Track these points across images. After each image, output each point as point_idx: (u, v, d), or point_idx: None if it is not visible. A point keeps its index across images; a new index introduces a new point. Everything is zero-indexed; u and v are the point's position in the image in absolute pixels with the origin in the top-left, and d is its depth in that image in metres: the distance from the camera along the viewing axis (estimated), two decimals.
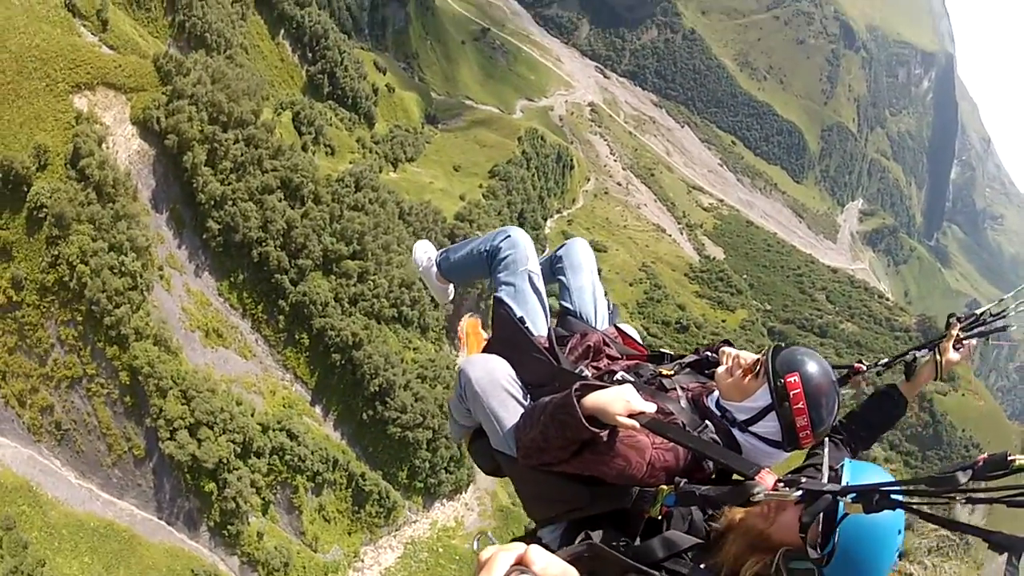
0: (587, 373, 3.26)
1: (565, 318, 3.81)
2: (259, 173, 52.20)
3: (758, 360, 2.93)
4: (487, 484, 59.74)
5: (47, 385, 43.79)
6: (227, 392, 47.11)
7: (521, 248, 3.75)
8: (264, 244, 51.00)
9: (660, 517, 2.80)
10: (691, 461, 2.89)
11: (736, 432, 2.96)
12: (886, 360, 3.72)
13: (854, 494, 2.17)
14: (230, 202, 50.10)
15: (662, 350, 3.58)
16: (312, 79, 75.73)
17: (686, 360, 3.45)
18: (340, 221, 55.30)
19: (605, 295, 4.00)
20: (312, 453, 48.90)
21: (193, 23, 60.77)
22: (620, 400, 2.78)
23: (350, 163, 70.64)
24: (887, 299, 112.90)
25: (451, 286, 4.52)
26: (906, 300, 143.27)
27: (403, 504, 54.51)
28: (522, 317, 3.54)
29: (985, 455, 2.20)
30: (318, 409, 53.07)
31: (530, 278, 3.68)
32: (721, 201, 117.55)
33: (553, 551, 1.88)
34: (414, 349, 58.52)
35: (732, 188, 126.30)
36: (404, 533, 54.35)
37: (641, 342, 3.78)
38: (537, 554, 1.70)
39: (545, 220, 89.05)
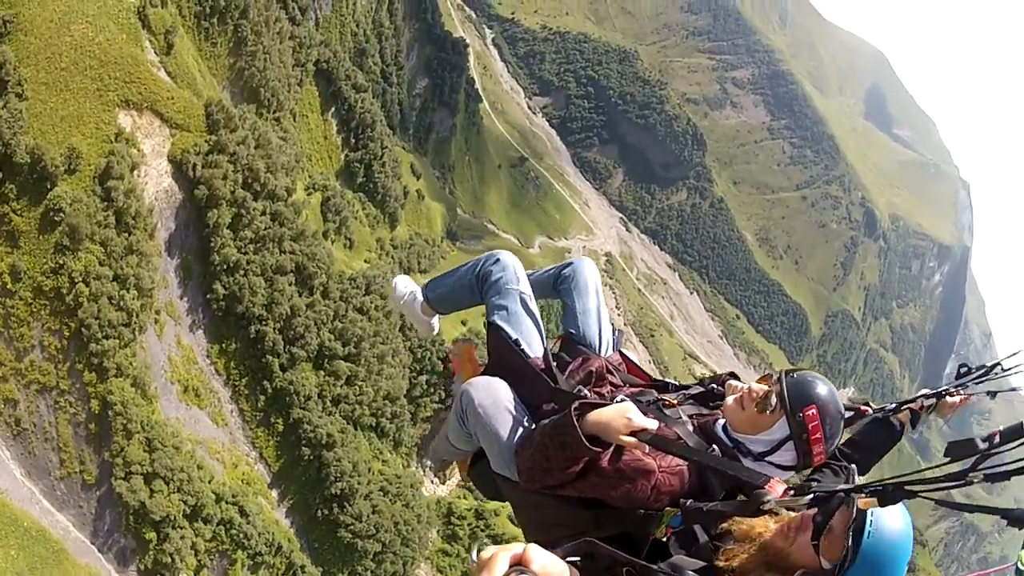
0: (586, 393, 3.14)
1: (569, 343, 3.68)
2: (277, 252, 52.83)
3: (770, 392, 2.86)
4: None
5: (18, 380, 43.44)
6: (191, 453, 47.08)
7: (511, 270, 3.64)
8: (264, 323, 51.39)
9: (665, 539, 2.74)
10: (696, 486, 2.84)
11: (747, 461, 2.91)
12: (893, 405, 3.72)
13: (869, 489, 2.10)
14: (242, 272, 50.42)
15: (666, 379, 3.49)
16: (349, 165, 76.64)
17: (691, 391, 3.39)
18: (343, 320, 55.83)
19: (610, 319, 3.88)
20: (259, 534, 48.90)
21: (252, 74, 60.94)
22: (621, 418, 2.73)
23: (365, 261, 71.24)
24: None
25: (436, 318, 4.33)
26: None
27: None
28: (517, 339, 3.44)
29: (1001, 427, 2.20)
30: (275, 493, 53.12)
31: (523, 299, 3.57)
32: (715, 373, 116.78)
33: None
34: (383, 461, 58.71)
35: (727, 361, 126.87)
36: None
37: (644, 371, 3.65)
38: (536, 553, 1.72)
39: None
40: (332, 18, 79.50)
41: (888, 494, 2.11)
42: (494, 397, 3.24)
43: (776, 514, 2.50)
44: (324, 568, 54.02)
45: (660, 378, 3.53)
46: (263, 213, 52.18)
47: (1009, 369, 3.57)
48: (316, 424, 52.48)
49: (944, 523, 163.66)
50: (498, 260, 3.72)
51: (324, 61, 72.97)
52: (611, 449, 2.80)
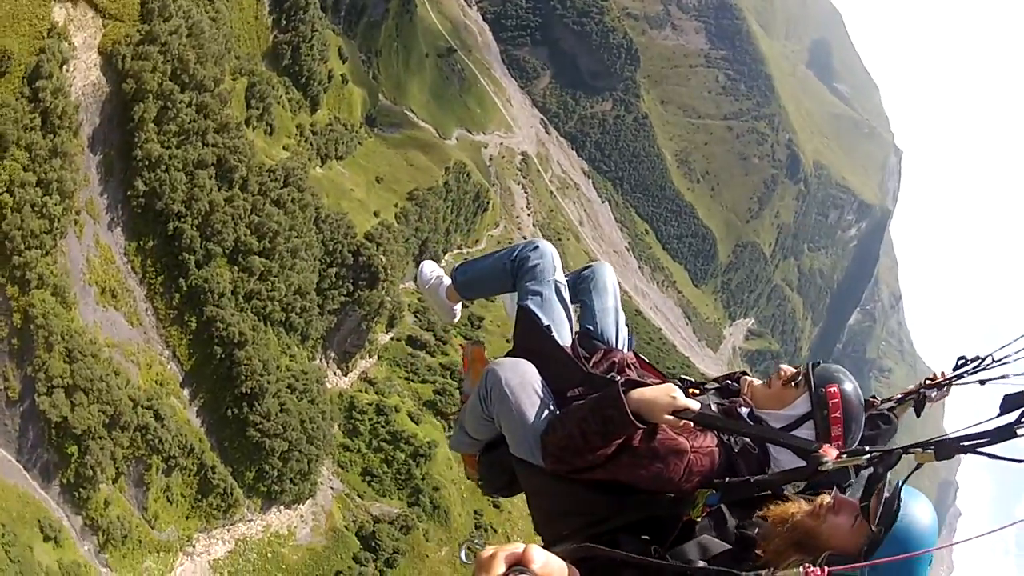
0: (618, 378, 3.18)
1: (586, 339, 3.76)
2: (200, 145, 51.51)
3: (798, 371, 3.05)
4: (325, 503, 60.88)
5: None
6: (108, 360, 46.55)
7: (549, 258, 3.73)
8: (183, 219, 50.50)
9: (700, 519, 2.78)
10: (726, 468, 2.89)
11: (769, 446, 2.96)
12: (899, 396, 3.99)
13: (924, 447, 2.20)
14: (163, 167, 49.08)
15: (682, 376, 3.57)
16: (277, 47, 74.52)
17: (709, 385, 3.52)
18: (259, 214, 55.31)
19: (626, 322, 3.99)
20: (172, 437, 49.08)
21: None
22: (665, 396, 2.79)
23: (284, 148, 70.13)
24: None
25: (458, 305, 4.45)
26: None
27: (243, 503, 55.28)
28: (549, 325, 3.50)
29: None
30: (186, 392, 53.31)
31: (557, 288, 3.67)
32: (617, 284, 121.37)
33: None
34: (290, 356, 58.97)
35: (631, 274, 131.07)
36: (238, 529, 55.37)
37: (658, 369, 3.74)
38: (536, 552, 1.72)
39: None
40: None
41: (944, 449, 2.14)
42: (522, 377, 3.21)
43: (814, 496, 2.55)
44: (233, 468, 54.72)
45: (676, 375, 3.57)
46: (189, 105, 50.70)
47: (999, 360, 3.67)
48: (229, 322, 52.45)
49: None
50: (537, 247, 3.76)
51: None
52: (645, 430, 2.79)
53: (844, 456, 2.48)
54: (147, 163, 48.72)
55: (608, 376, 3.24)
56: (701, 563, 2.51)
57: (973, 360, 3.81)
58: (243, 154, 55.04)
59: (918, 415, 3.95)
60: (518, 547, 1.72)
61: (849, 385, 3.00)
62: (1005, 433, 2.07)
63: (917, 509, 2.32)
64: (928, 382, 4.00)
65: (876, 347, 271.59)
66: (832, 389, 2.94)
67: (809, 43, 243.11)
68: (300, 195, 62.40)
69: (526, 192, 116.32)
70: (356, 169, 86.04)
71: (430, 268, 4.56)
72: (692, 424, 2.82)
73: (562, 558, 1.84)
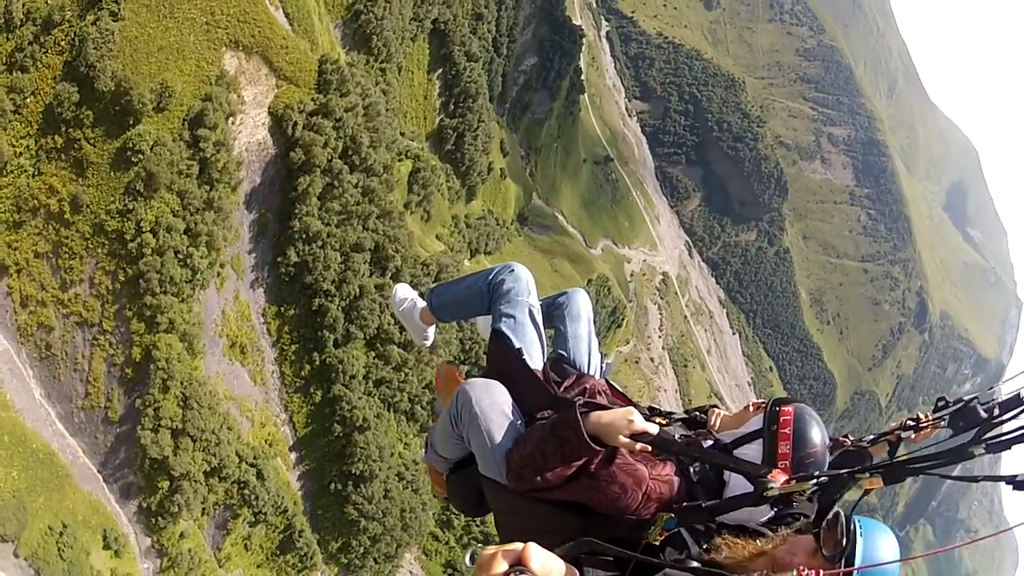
0: (595, 399, 3.19)
1: (559, 364, 3.75)
2: (360, 228, 51.40)
3: (763, 402, 3.02)
4: None
5: (58, 308, 41.42)
6: (225, 413, 46.41)
7: (524, 282, 3.72)
8: (330, 298, 50.35)
9: (659, 543, 2.75)
10: (684, 495, 2.87)
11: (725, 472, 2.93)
12: (872, 437, 3.81)
13: (874, 470, 2.13)
14: (320, 243, 48.93)
15: (652, 405, 3.55)
16: (442, 130, 75.00)
17: (677, 416, 3.50)
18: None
19: (599, 349, 3.96)
20: (269, 497, 48.80)
21: (368, 19, 57.65)
22: (623, 420, 2.75)
23: (437, 236, 70.73)
24: None
25: (433, 328, 4.46)
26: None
27: (321, 568, 54.44)
28: (520, 348, 3.49)
29: (998, 399, 2.23)
30: (293, 456, 52.82)
31: (531, 312, 3.65)
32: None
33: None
34: (405, 444, 58.60)
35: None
36: None
37: (629, 398, 3.70)
38: (535, 552, 1.71)
39: None
40: None
41: (893, 472, 2.11)
42: (492, 398, 3.24)
43: (780, 504, 2.56)
44: (320, 535, 54.31)
45: (647, 404, 3.57)
46: (355, 186, 50.45)
47: (986, 403, 3.42)
48: (354, 405, 52.03)
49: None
50: (513, 270, 3.78)
51: (442, 21, 71.09)
52: (603, 454, 2.79)
53: (793, 481, 2.42)
54: (304, 236, 48.53)
55: (576, 400, 3.16)
56: (694, 564, 2.50)
57: (956, 402, 3.55)
58: (401, 244, 54.83)
59: (891, 457, 3.67)
60: (518, 546, 1.72)
61: (809, 413, 2.94)
62: (959, 454, 2.03)
63: (875, 539, 2.27)
64: (908, 423, 3.82)
65: (969, 507, 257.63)
66: (786, 408, 2.90)
67: (948, 185, 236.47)
68: None
69: (661, 313, 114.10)
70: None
71: (403, 291, 4.54)
72: (650, 448, 2.78)
73: (561, 557, 1.85)
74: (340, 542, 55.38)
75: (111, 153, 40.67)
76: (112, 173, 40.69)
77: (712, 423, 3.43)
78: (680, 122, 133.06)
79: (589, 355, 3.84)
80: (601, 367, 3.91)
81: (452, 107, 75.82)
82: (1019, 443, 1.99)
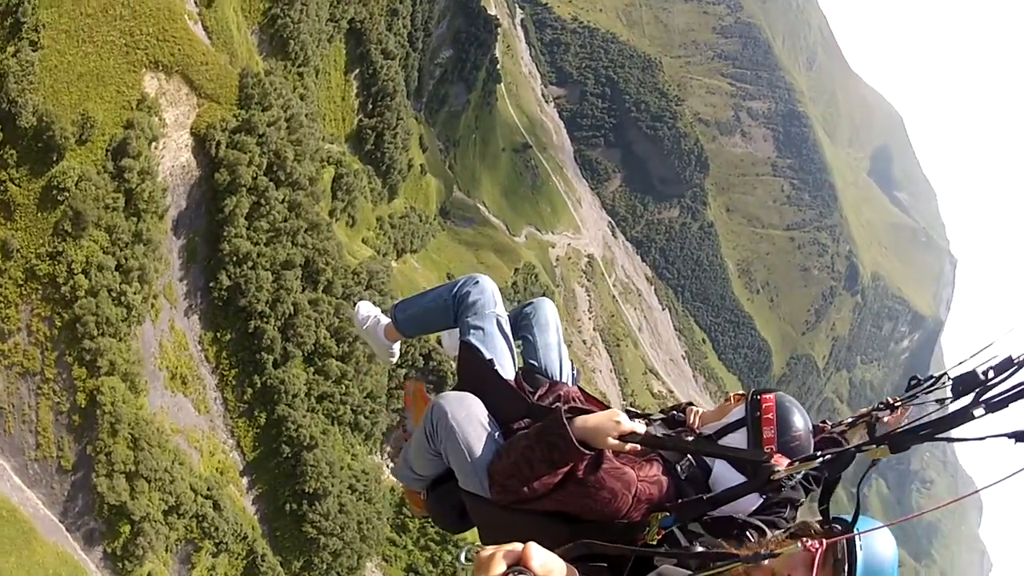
0: (574, 405, 3.15)
1: (530, 374, 3.75)
2: (290, 245, 50.90)
3: (743, 394, 3.06)
4: None
5: None
6: (174, 449, 45.86)
7: (489, 293, 3.71)
8: (265, 320, 49.95)
9: (656, 542, 2.74)
10: (673, 495, 2.87)
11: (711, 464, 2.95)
12: (850, 419, 3.91)
13: (879, 441, 2.15)
14: (251, 264, 48.31)
15: (628, 408, 3.52)
16: (361, 130, 74.58)
17: (655, 416, 3.55)
18: (340, 316, 54.44)
19: (569, 357, 3.96)
20: (228, 526, 48.51)
21: (285, 23, 56.87)
22: (609, 421, 2.76)
23: (363, 240, 70.32)
24: None
25: (397, 345, 4.41)
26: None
27: None
28: (491, 359, 3.47)
29: (993, 362, 2.31)
30: (245, 480, 52.53)
31: (499, 322, 3.64)
32: (671, 392, 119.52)
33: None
34: (353, 456, 58.45)
35: (685, 382, 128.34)
36: None
37: (603, 403, 3.60)
38: (536, 551, 1.71)
39: None
40: None
41: (900, 441, 2.15)
42: (468, 410, 3.21)
43: (781, 488, 2.61)
44: (283, 556, 54.13)
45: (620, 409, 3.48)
46: (282, 202, 50.07)
47: (955, 378, 3.66)
48: (300, 423, 51.94)
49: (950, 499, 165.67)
50: (477, 282, 3.76)
51: (359, 20, 70.58)
52: (591, 458, 2.78)
53: (797, 463, 2.41)
54: (234, 258, 48.02)
55: (554, 405, 3.17)
56: (700, 548, 2.49)
57: (927, 379, 3.71)
58: (331, 255, 54.69)
59: (870, 437, 3.73)
60: (517, 547, 1.69)
61: (790, 401, 2.96)
62: (962, 416, 2.05)
63: (875, 551, 2.24)
64: (881, 404, 3.90)
65: (921, 458, 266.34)
66: (767, 396, 2.94)
67: (872, 151, 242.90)
68: (382, 299, 62.00)
69: (589, 295, 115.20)
70: (429, 264, 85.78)
71: (366, 308, 4.50)
72: (639, 448, 2.78)
73: (561, 557, 1.82)
74: (302, 561, 55.29)
75: (37, 193, 39.56)
76: (39, 214, 39.62)
77: (691, 421, 3.45)
78: (597, 105, 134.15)
79: (560, 363, 3.83)
80: (572, 374, 3.90)
81: (370, 106, 75.63)
82: (1015, 400, 2.03)
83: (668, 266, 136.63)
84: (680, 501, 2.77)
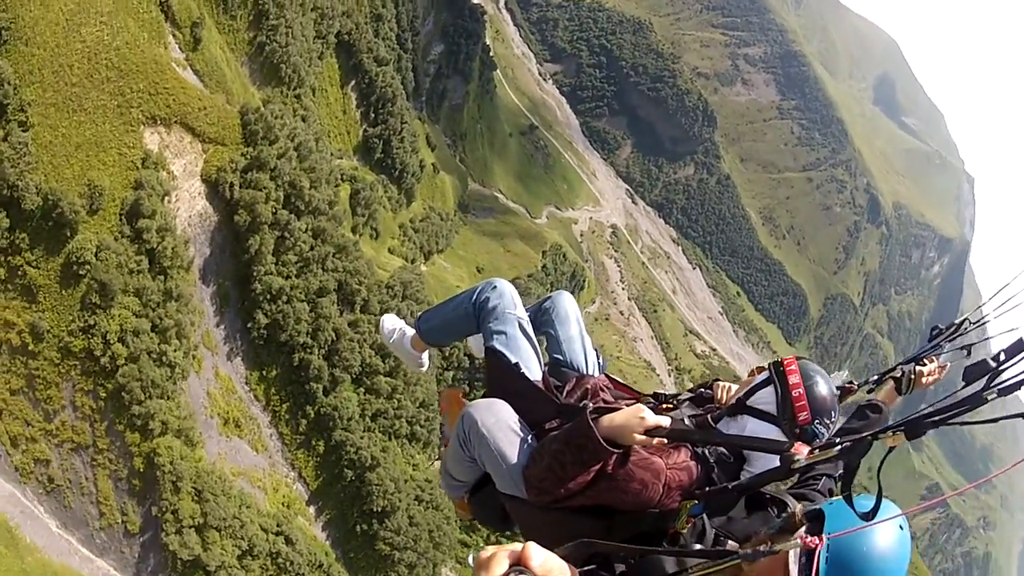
0: (590, 405, 3.18)
1: (556, 368, 3.79)
2: (321, 272, 50.50)
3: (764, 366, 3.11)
4: None
5: (48, 440, 39.82)
6: (238, 494, 45.62)
7: (508, 297, 3.75)
8: (309, 351, 49.59)
9: (685, 530, 2.79)
10: (703, 480, 2.91)
11: (728, 421, 3.06)
12: (876, 377, 3.83)
13: (895, 428, 2.15)
14: (285, 298, 48.00)
15: (656, 391, 3.60)
16: (368, 140, 74.33)
17: (683, 396, 3.56)
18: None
19: (594, 347, 3.99)
20: (303, 558, 48.26)
21: (273, 49, 56.52)
22: (634, 418, 2.80)
23: (389, 249, 70.09)
24: None
25: (426, 354, 4.46)
26: (867, 476, 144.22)
27: None
28: (517, 363, 3.52)
29: (1004, 347, 2.29)
30: (312, 509, 52.41)
31: (520, 325, 3.68)
32: (714, 350, 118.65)
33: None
34: (414, 467, 58.51)
35: (726, 338, 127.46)
36: None
37: (633, 388, 3.74)
38: (536, 551, 1.70)
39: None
40: None
41: (914, 427, 2.13)
42: (497, 416, 3.26)
43: (802, 474, 2.61)
44: None
45: (648, 392, 3.61)
46: (306, 231, 49.74)
47: (976, 322, 3.66)
48: (359, 446, 51.68)
49: (931, 513, 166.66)
50: (495, 287, 3.78)
51: (345, 33, 70.06)
52: (619, 454, 2.81)
53: (816, 451, 2.46)
54: (268, 296, 47.58)
55: (580, 404, 3.21)
56: (698, 546, 2.54)
57: (948, 327, 3.67)
58: (363, 275, 54.48)
59: (899, 393, 3.74)
60: (517, 546, 1.73)
61: (812, 363, 3.02)
62: (975, 400, 2.07)
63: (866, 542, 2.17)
64: (908, 359, 3.81)
65: None
66: (788, 359, 3.01)
67: (873, 80, 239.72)
68: (417, 306, 61.71)
69: (619, 265, 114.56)
70: (456, 261, 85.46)
71: (390, 322, 4.57)
72: (665, 441, 2.86)
73: (561, 557, 1.87)
74: None
75: (56, 271, 38.82)
76: (63, 291, 38.90)
77: (719, 397, 3.47)
78: (595, 75, 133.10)
79: (585, 354, 3.82)
80: (599, 363, 3.88)
81: (372, 115, 75.32)
82: None
83: (692, 224, 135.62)
84: (708, 489, 2.81)
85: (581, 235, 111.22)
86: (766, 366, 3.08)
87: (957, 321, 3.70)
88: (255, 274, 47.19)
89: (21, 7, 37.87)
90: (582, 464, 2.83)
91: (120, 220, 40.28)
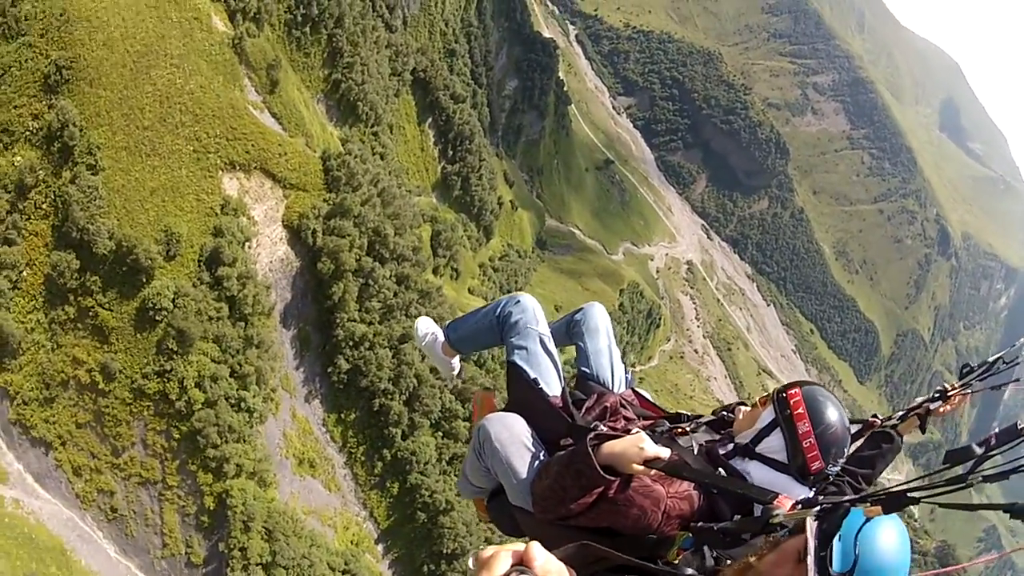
0: (601, 427, 3.19)
1: (583, 381, 3.79)
2: (404, 318, 50.09)
3: (768, 395, 3.01)
4: None
5: (114, 474, 39.25)
6: (309, 534, 45.32)
7: (531, 312, 3.76)
8: (390, 397, 49.28)
9: (677, 561, 2.77)
10: (706, 510, 2.88)
11: (739, 461, 2.98)
12: (901, 413, 3.73)
13: (873, 498, 2.13)
14: (367, 344, 47.80)
15: (679, 411, 3.56)
16: (446, 177, 74.28)
17: (703, 419, 3.48)
18: (464, 377, 53.49)
19: (622, 359, 3.99)
20: None
21: (349, 87, 56.29)
22: (634, 447, 2.81)
23: (469, 290, 70.14)
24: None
25: (456, 359, 4.52)
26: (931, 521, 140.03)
27: None
28: (536, 379, 3.54)
29: (996, 430, 2.26)
30: (380, 547, 51.94)
31: (542, 340, 3.68)
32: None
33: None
34: None
35: (799, 376, 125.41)
36: None
37: (657, 405, 3.73)
38: (537, 551, 1.70)
39: None
40: (420, 17, 75.87)
41: (892, 501, 2.10)
42: (510, 431, 3.32)
43: (782, 528, 2.49)
44: None
45: (674, 411, 3.59)
46: (389, 277, 49.51)
47: (1011, 362, 3.55)
48: (433, 490, 51.30)
49: (984, 555, 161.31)
50: (519, 302, 3.83)
51: (421, 70, 70.28)
52: (620, 481, 2.84)
53: (799, 506, 2.46)
54: (351, 342, 47.27)
55: (592, 426, 3.22)
56: (690, 571, 2.58)
57: (981, 366, 3.60)
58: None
59: (923, 431, 3.74)
60: (520, 546, 1.74)
61: (815, 389, 2.93)
62: (957, 482, 2.08)
63: (872, 546, 2.24)
64: (936, 393, 3.72)
65: None
66: (792, 391, 2.91)
67: (938, 105, 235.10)
68: (500, 351, 61.43)
69: (694, 303, 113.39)
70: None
71: (425, 325, 4.57)
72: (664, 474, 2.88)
73: (561, 559, 1.87)
74: None
75: (131, 315, 38.35)
76: (137, 335, 38.37)
77: (736, 421, 3.40)
78: (668, 108, 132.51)
79: (612, 368, 3.84)
80: (626, 378, 3.89)
81: (451, 153, 75.36)
82: (1016, 472, 1.97)
83: (766, 260, 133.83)
84: (698, 526, 2.79)
85: (657, 272, 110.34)
86: (771, 399, 2.97)
87: (990, 360, 3.57)
88: (338, 320, 46.95)
89: (82, 47, 37.59)
90: (581, 488, 2.86)
91: (199, 266, 39.79)
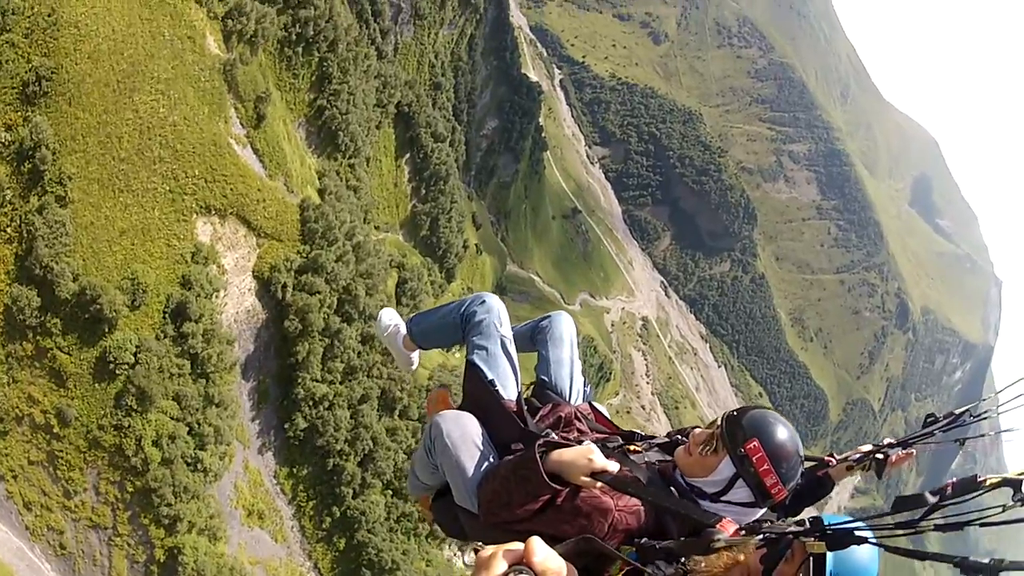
0: (552, 435, 3.17)
1: (541, 389, 3.79)
2: (365, 379, 50.38)
3: (712, 434, 2.88)
4: None
5: (65, 514, 38.16)
6: None
7: (495, 313, 3.74)
8: (345, 458, 49.58)
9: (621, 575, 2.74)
10: (653, 526, 2.87)
11: (706, 503, 2.89)
12: (858, 456, 3.70)
13: (818, 533, 2.13)
14: (327, 404, 47.99)
15: (633, 430, 3.50)
16: (415, 216, 73.76)
17: (656, 440, 3.41)
18: (417, 438, 53.67)
19: (582, 372, 3.98)
20: None
21: (333, 115, 55.41)
22: (583, 458, 2.79)
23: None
24: None
25: (416, 354, 4.52)
26: None
27: None
28: (493, 380, 3.53)
29: (954, 479, 2.20)
30: None
31: (503, 343, 3.68)
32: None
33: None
34: (427, 562, 58.16)
35: (742, 406, 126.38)
36: None
37: (613, 422, 3.69)
38: (539, 547, 1.70)
39: None
40: (412, 46, 75.46)
41: (837, 538, 2.14)
42: (463, 430, 3.32)
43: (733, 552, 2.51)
44: None
45: (628, 429, 3.55)
46: (354, 338, 49.41)
47: (978, 416, 3.43)
48: (380, 548, 51.50)
49: None
50: (484, 302, 3.82)
51: (406, 104, 69.74)
52: (569, 487, 2.84)
53: (742, 532, 2.45)
54: (310, 401, 47.38)
55: (544, 434, 3.19)
56: (671, 571, 2.54)
57: (946, 417, 3.45)
58: (405, 382, 54.02)
59: (879, 477, 3.69)
60: (519, 545, 1.69)
61: (770, 429, 2.79)
62: (905, 527, 2.06)
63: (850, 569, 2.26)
64: (890, 441, 3.65)
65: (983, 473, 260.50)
66: (752, 445, 2.77)
67: (911, 180, 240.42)
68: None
69: (646, 359, 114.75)
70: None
71: (388, 316, 4.59)
72: (608, 487, 2.84)
73: (562, 555, 1.80)
74: None
75: (90, 363, 36.66)
76: (96, 385, 36.82)
77: (677, 454, 3.37)
78: (642, 163, 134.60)
79: (571, 379, 3.86)
80: (584, 391, 3.90)
81: (424, 191, 74.87)
82: (970, 525, 1.97)
83: (722, 322, 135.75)
84: (642, 543, 2.78)
85: (612, 325, 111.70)
86: (724, 444, 2.84)
87: (957, 411, 3.42)
88: (299, 379, 46.78)
89: (65, 57, 34.72)
90: (527, 494, 2.88)
91: (163, 319, 37.96)
